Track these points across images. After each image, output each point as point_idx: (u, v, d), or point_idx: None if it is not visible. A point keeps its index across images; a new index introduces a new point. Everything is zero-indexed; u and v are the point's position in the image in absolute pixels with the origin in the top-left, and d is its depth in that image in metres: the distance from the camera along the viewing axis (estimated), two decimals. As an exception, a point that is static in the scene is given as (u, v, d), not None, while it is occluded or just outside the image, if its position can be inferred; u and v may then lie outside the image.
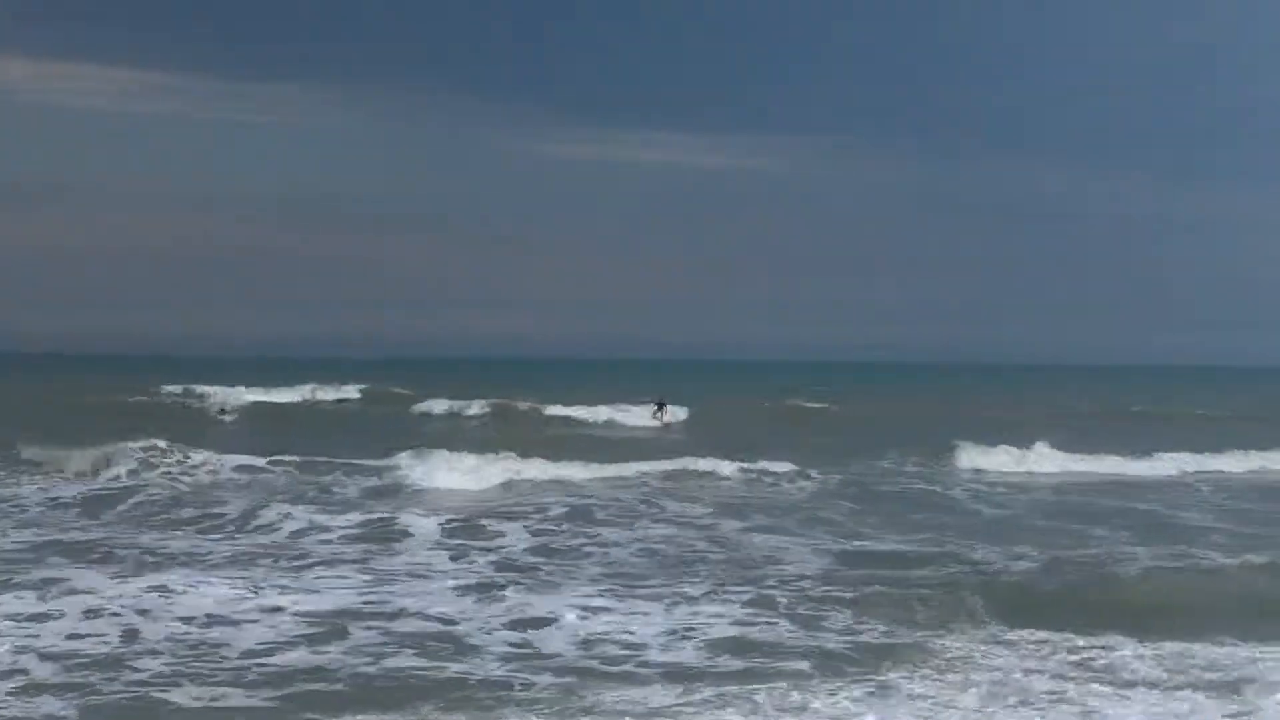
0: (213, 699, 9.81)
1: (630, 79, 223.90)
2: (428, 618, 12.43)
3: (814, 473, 25.47)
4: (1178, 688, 10.43)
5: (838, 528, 19.42)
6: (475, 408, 46.44)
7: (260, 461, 24.41)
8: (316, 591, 13.47)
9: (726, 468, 25.61)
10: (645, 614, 12.72)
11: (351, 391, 56.10)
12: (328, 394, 54.81)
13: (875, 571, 15.50)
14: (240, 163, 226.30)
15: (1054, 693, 10.24)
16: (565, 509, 20.37)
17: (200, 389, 53.97)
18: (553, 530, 18.55)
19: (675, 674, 10.65)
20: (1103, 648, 11.67)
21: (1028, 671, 10.86)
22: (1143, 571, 15.41)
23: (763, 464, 25.80)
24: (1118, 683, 10.58)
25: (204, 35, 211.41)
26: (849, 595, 13.49)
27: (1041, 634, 12.08)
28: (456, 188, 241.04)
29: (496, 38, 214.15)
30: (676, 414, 46.39)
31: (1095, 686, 10.44)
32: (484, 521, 18.66)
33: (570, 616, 12.52)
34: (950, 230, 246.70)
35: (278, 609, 12.52)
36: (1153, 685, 10.54)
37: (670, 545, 17.43)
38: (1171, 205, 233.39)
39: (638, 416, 45.55)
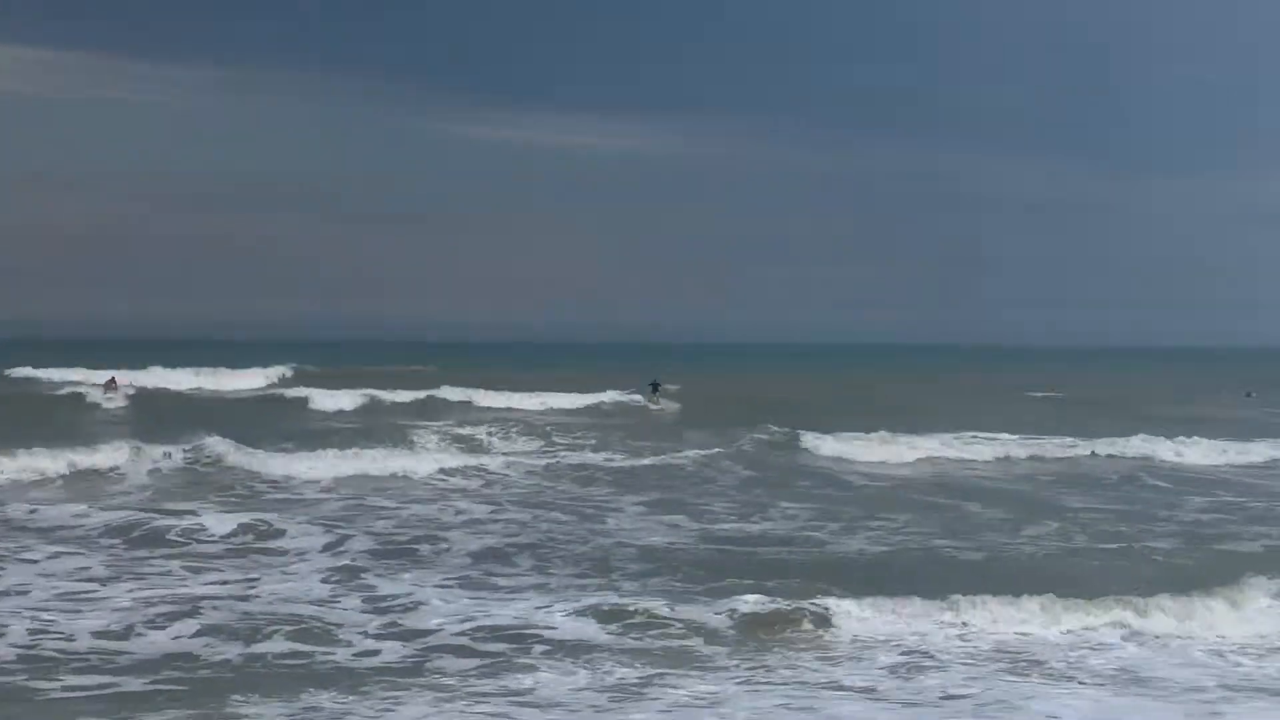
0: (84, 687, 9.73)
1: (533, 61, 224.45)
2: (293, 602, 12.56)
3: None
4: (1015, 664, 11.11)
5: (722, 508, 20.04)
6: (383, 395, 42.84)
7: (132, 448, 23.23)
8: (182, 584, 13.39)
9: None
10: (519, 596, 13.13)
11: (268, 377, 52.87)
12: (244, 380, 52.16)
13: (748, 551, 16.16)
14: (122, 142, 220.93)
15: (899, 670, 10.83)
16: (466, 493, 20.91)
17: (80, 374, 51.39)
18: (444, 514, 18.79)
19: (556, 652, 10.98)
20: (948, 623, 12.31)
21: (876, 645, 11.53)
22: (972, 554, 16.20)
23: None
24: (963, 657, 11.25)
25: (81, 11, 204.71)
26: (718, 576, 14.03)
27: (891, 612, 12.53)
28: (357, 168, 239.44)
29: (397, 19, 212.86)
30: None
31: (935, 657, 11.15)
32: (357, 509, 18.95)
33: (440, 600, 12.81)
34: (858, 213, 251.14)
35: (135, 596, 12.57)
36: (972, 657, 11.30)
37: (553, 527, 17.80)
38: (1079, 190, 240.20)
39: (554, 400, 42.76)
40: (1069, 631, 12.21)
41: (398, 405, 40.58)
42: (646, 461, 25.42)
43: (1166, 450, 29.36)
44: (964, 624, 12.19)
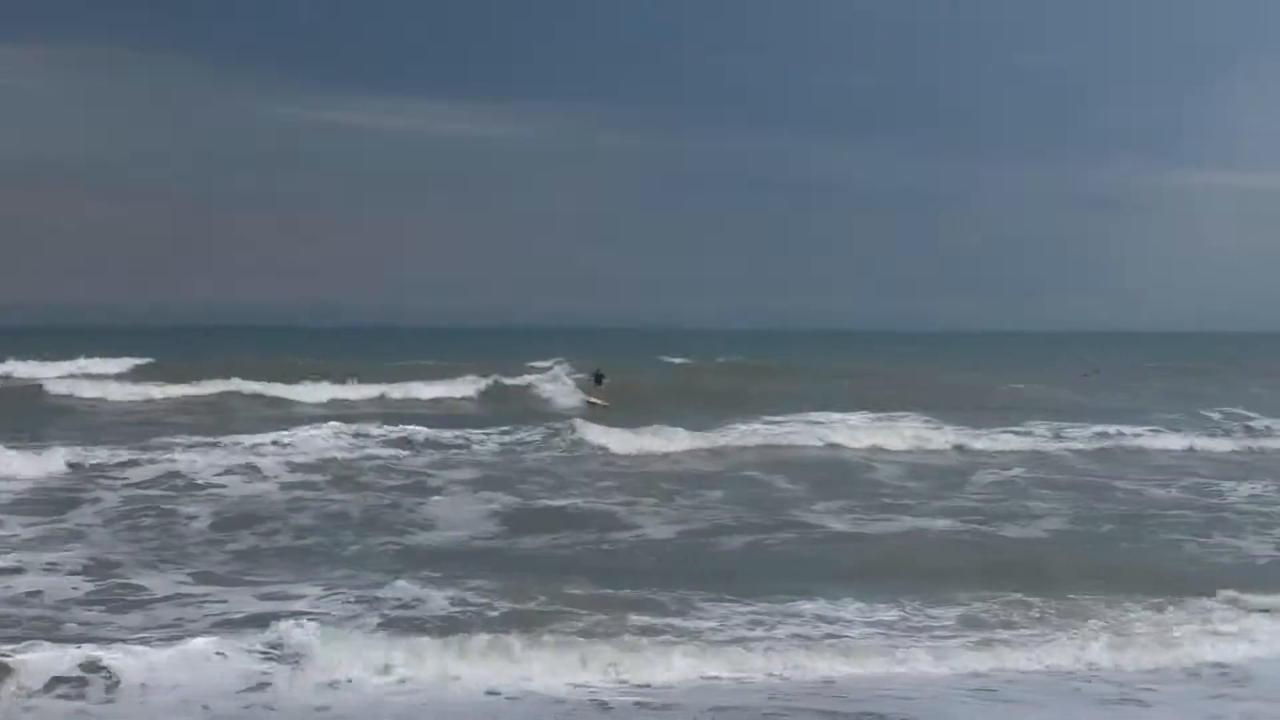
0: None
1: (371, 44, 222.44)
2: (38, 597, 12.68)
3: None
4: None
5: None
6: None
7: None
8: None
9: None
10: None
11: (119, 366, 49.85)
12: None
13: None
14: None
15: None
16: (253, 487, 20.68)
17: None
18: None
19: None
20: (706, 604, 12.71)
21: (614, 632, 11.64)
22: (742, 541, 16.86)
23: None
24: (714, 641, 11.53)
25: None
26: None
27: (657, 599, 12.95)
28: (192, 151, 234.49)
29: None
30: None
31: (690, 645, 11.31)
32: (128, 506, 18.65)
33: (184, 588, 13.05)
34: (700, 200, 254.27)
35: None
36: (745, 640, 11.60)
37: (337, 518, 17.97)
38: (923, 177, 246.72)
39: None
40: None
41: (212, 396, 38.47)
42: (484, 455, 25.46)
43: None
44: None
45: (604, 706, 9.74)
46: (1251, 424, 34.35)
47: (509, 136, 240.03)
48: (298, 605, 12.54)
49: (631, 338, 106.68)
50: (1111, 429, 31.90)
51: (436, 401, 39.52)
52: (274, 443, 25.11)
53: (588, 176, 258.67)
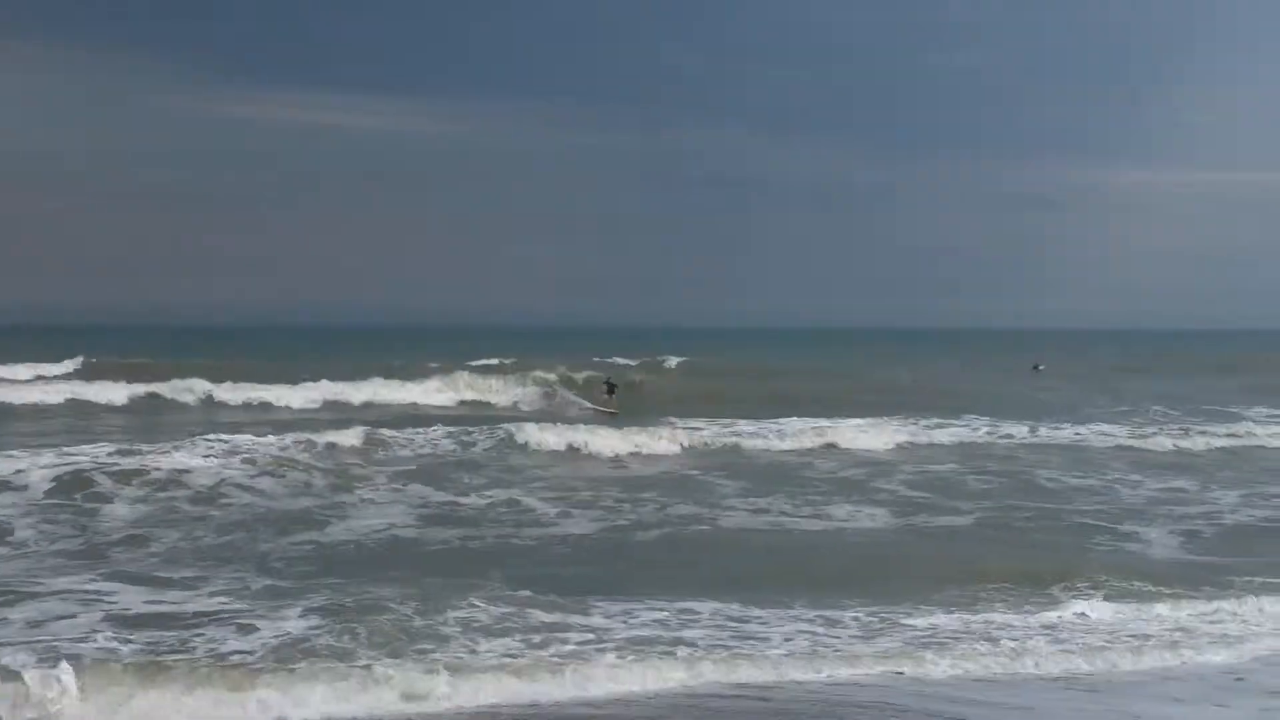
0: None
1: (306, 40, 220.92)
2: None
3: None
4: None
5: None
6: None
7: None
8: None
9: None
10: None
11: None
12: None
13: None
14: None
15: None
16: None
17: None
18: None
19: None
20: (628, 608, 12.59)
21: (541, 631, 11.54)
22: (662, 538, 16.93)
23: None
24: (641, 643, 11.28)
25: None
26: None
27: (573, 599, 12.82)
28: (111, 144, 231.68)
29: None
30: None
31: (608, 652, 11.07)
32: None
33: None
34: (652, 198, 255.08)
35: None
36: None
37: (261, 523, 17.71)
38: (864, 174, 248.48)
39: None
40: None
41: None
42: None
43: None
44: None
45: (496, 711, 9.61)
46: (1188, 420, 35.00)
47: (445, 133, 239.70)
48: (195, 606, 12.31)
49: (582, 336, 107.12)
50: (1048, 424, 32.32)
51: (394, 404, 39.17)
52: (213, 442, 24.38)
53: (528, 172, 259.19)
